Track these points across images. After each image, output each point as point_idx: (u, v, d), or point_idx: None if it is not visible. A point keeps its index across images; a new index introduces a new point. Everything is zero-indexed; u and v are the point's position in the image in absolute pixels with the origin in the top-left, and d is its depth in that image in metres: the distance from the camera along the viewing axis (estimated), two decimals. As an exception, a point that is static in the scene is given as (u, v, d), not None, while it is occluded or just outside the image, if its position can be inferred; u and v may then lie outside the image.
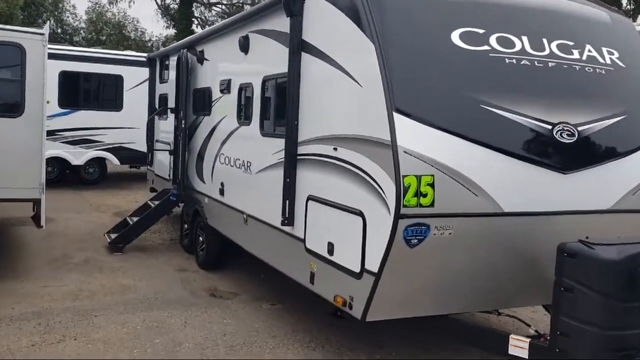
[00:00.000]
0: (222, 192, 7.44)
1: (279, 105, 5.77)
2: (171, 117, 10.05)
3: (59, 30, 39.51)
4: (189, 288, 7.41)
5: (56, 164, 14.68)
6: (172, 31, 37.34)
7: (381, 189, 4.05)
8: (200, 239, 8.40)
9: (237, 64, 7.08)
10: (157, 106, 11.31)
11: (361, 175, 4.30)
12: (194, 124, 8.72)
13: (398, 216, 3.89)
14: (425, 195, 3.93)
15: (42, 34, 7.26)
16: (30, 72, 7.12)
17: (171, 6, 37.54)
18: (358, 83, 4.35)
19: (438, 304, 4.54)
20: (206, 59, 8.27)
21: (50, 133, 13.76)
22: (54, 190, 14.09)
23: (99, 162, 15.14)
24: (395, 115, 3.95)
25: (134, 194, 14.57)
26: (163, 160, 10.69)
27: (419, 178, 3.91)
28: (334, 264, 4.67)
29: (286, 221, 5.42)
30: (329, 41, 4.85)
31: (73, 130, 14.38)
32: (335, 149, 4.67)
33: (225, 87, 7.33)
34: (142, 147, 14.31)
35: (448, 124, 4.08)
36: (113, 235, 9.24)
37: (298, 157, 5.31)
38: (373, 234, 4.19)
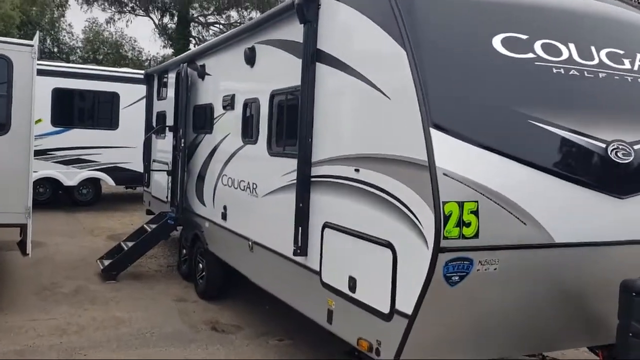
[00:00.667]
0: (224, 216, 6.87)
1: (290, 122, 5.23)
2: (169, 135, 9.50)
3: (55, 49, 39.13)
4: (188, 321, 6.80)
5: (48, 184, 14.11)
6: (169, 51, 37.06)
7: (416, 218, 3.49)
8: (200, 266, 7.80)
9: (242, 78, 6.56)
10: (154, 124, 10.76)
11: (389, 200, 3.74)
12: (194, 142, 8.18)
13: (437, 250, 3.33)
14: (468, 225, 3.37)
15: (31, 46, 6.73)
16: (17, 87, 6.57)
17: (169, 26, 37.43)
18: (386, 95, 3.81)
19: (477, 347, 3.95)
20: (208, 74, 7.75)
21: (42, 152, 13.29)
22: (46, 212, 13.50)
23: (93, 182, 14.55)
24: (433, 132, 3.41)
25: (130, 216, 13.97)
26: (160, 181, 10.12)
27: (461, 205, 3.35)
28: (356, 302, 4.09)
29: (299, 250, 4.84)
30: (349, 50, 4.33)
31: (66, 149, 13.81)
32: (356, 170, 4.12)
33: (229, 103, 6.79)
34: (139, 167, 13.78)
35: (492, 141, 3.54)
36: (106, 262, 8.63)
37: (312, 180, 4.75)
38: (405, 269, 3.62)
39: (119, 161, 14.25)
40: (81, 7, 36.00)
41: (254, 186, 6.00)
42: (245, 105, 6.37)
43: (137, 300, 7.51)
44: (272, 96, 5.66)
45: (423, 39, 3.65)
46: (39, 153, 13.17)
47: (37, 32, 11.32)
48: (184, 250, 8.72)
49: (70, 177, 13.92)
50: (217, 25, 37.43)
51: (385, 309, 3.74)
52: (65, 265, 9.10)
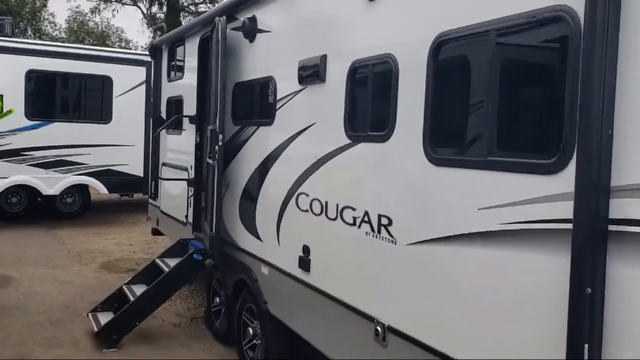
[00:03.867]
0: (304, 263, 4.08)
1: (522, 96, 2.45)
2: (190, 129, 6.68)
3: (37, 41, 36.23)
4: None
5: (23, 193, 11.21)
6: (158, 41, 34.35)
7: None
8: (250, 330, 5.01)
9: (348, 23, 3.74)
10: (163, 115, 7.92)
11: None
12: (235, 140, 5.37)
13: None
14: None
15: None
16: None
17: (158, 15, 35.20)
18: None
19: None
20: (262, 30, 4.93)
21: (14, 153, 10.52)
22: (19, 228, 10.68)
23: (80, 189, 11.63)
24: None
25: (128, 232, 11.11)
26: (175, 193, 7.30)
27: None
28: None
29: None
30: None
31: (45, 148, 10.93)
32: None
33: (313, 72, 3.99)
34: (137, 169, 11.08)
35: None
36: (103, 317, 5.83)
37: (610, 229, 1.98)
38: None
39: (112, 163, 11.42)
40: (63, -4, 33.96)
41: (387, 222, 3.21)
42: (356, 71, 3.57)
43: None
44: (439, 46, 2.86)
45: None
46: (10, 154, 10.39)
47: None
48: (218, 299, 5.92)
49: (51, 183, 11.00)
50: (210, 14, 34.80)
51: None
52: (42, 318, 6.25)
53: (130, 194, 12.66)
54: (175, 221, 7.27)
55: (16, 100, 10.53)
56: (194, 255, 5.86)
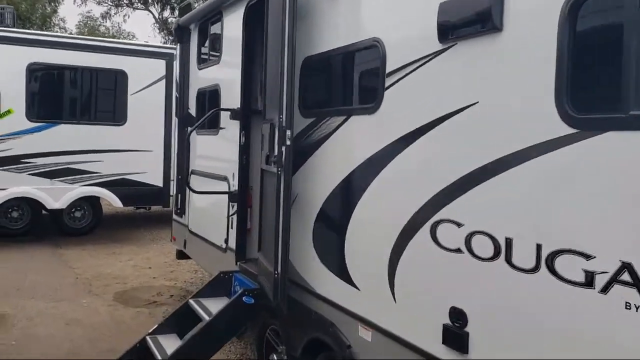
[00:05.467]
0: (457, 338, 2.46)
1: None
2: (231, 127, 5.12)
3: (47, 45, 35.25)
4: None
5: (25, 206, 9.67)
6: (170, 47, 33.64)
7: None
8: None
9: None
10: (192, 111, 6.36)
11: None
12: (304, 138, 3.77)
13: None
14: None
15: None
16: None
17: (169, 20, 34.47)
18: None
19: None
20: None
21: (14, 160, 9.09)
22: (20, 248, 9.21)
23: (90, 202, 10.08)
24: None
25: (145, 251, 9.54)
26: (209, 210, 5.74)
27: None
28: None
29: None
30: None
31: (50, 155, 9.39)
32: None
33: (474, 19, 2.37)
34: (156, 178, 9.54)
35: None
36: (119, 384, 4.24)
37: None
38: None
39: (128, 171, 9.89)
40: (74, 1, 33.43)
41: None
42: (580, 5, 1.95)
43: None
44: None
45: None
46: (9, 161, 8.92)
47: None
48: (276, 357, 4.30)
49: (56, 196, 9.45)
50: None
51: None
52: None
53: (146, 206, 11.09)
54: (210, 245, 5.68)
55: (16, 98, 9.04)
56: (244, 298, 4.26)
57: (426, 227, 2.65)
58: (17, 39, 8.93)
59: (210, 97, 5.84)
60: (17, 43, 8.89)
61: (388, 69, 2.95)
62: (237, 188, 5.02)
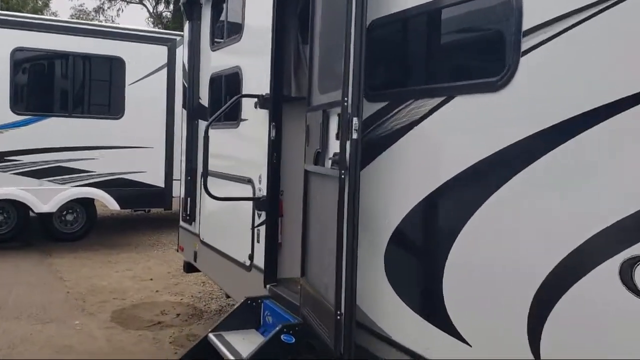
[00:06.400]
0: None
1: None
2: (256, 119, 4.17)
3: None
4: None
5: (10, 208, 8.68)
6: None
7: None
8: None
9: None
10: (204, 101, 5.39)
11: None
12: (374, 130, 2.80)
13: None
14: None
15: None
16: None
17: (164, 14, 34.09)
18: None
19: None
20: None
21: None
22: (5, 258, 8.28)
23: (84, 204, 9.09)
24: None
25: (145, 259, 8.57)
26: (227, 218, 4.78)
27: None
28: None
29: None
30: None
31: (38, 152, 8.44)
32: None
33: None
34: (157, 178, 8.62)
35: None
36: None
37: None
38: None
39: (125, 170, 8.97)
40: (67, -5, 33.10)
41: None
42: None
43: None
44: None
45: None
46: (-10, 159, 7.91)
47: None
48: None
49: (45, 198, 8.46)
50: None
51: None
52: None
53: (146, 209, 10.13)
54: (228, 260, 4.72)
55: (-1, 89, 8.07)
56: (283, 337, 3.30)
57: (612, 265, 1.70)
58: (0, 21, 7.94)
59: (227, 82, 4.89)
60: (0, 25, 7.89)
61: (527, 24, 1.99)
62: (265, 193, 4.06)
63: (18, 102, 8.39)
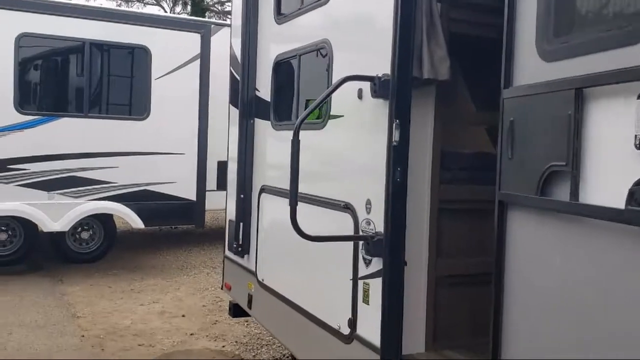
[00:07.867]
0: None
1: None
2: (358, 116, 2.74)
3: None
4: None
5: (17, 226, 7.42)
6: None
7: None
8: None
9: None
10: (263, 94, 4.01)
11: None
12: None
13: None
14: None
15: None
16: None
17: (182, 15, 33.88)
18: None
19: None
20: None
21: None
22: (8, 285, 7.04)
23: (101, 220, 7.82)
24: None
25: (174, 286, 7.23)
26: (308, 258, 3.35)
27: None
28: None
29: None
30: None
31: (47, 159, 7.19)
32: None
33: None
34: (188, 190, 7.45)
35: None
36: None
37: None
38: None
39: (151, 180, 7.82)
40: (82, -4, 32.75)
41: None
42: None
43: None
44: None
45: None
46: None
47: None
48: None
49: (56, 214, 7.19)
50: (234, 13, 33.58)
51: None
52: None
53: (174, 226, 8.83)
54: (308, 320, 3.30)
55: (0, 82, 6.79)
56: None
57: None
58: (2, 1, 6.68)
59: (305, 65, 3.48)
60: (3, 6, 6.63)
61: None
62: (378, 229, 2.66)
63: (24, 99, 7.19)
